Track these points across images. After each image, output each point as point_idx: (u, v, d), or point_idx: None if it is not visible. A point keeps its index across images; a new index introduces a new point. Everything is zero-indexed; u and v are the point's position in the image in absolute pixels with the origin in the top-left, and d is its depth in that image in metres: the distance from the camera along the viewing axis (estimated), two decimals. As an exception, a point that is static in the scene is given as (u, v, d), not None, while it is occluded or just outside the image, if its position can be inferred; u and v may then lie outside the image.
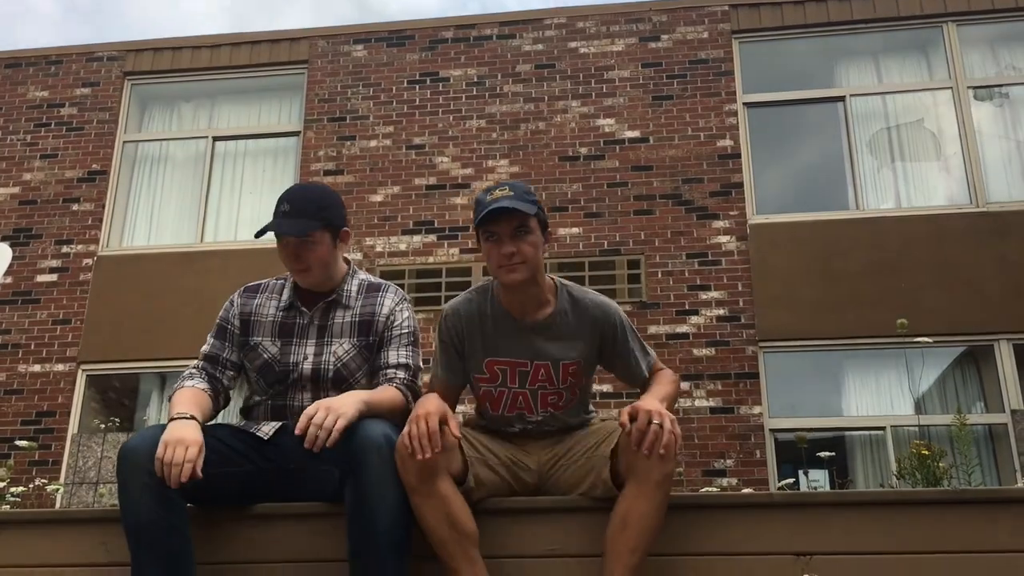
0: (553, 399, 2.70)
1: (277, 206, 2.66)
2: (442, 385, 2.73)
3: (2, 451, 7.87)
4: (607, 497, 2.48)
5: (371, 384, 2.68)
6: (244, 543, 2.56)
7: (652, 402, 2.39)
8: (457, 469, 2.47)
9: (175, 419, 2.43)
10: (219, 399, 2.69)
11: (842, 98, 8.60)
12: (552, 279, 2.73)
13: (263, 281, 2.84)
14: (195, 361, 2.75)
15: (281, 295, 2.75)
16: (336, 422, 2.34)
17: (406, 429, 2.34)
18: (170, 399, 2.61)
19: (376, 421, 2.41)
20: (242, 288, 2.83)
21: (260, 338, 2.70)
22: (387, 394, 2.57)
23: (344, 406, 2.40)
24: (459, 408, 2.93)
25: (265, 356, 2.68)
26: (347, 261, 2.81)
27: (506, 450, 2.68)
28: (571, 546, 2.48)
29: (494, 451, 2.65)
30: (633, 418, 2.34)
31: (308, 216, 2.62)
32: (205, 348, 2.75)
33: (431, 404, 2.41)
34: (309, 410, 2.39)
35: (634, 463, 2.34)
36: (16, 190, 8.97)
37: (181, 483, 2.29)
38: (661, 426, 2.29)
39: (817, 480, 6.83)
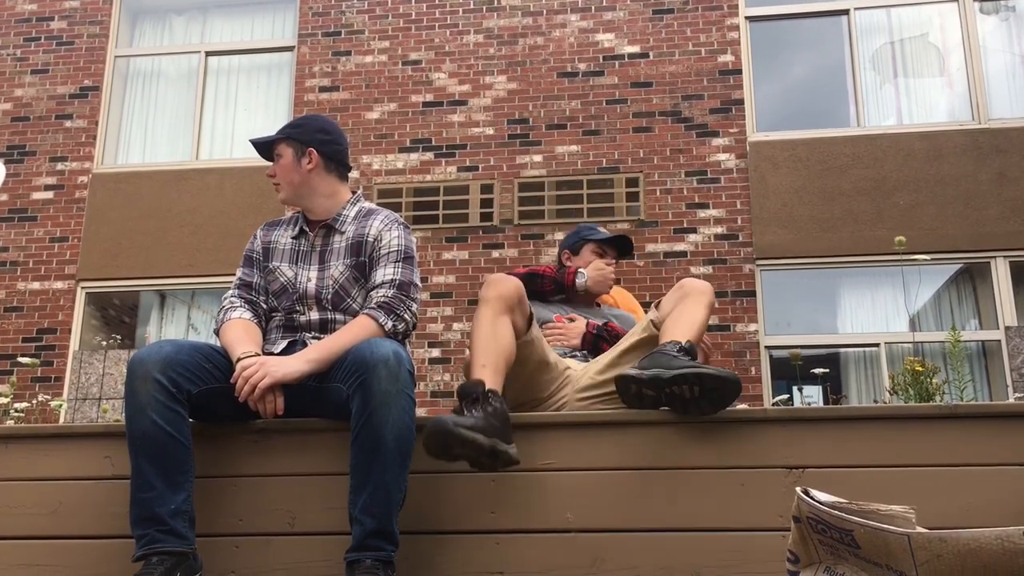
0: None
1: None
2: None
3: (4, 368, 7.94)
4: (604, 411, 2.51)
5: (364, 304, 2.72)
6: (244, 459, 2.59)
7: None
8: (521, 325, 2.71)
9: (243, 359, 2.52)
10: (262, 323, 2.78)
11: (846, 11, 8.43)
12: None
13: (283, 217, 2.99)
14: (230, 291, 2.82)
15: (295, 226, 2.87)
16: (263, 379, 2.45)
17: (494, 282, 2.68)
18: (216, 332, 2.72)
19: (384, 339, 2.50)
20: (264, 224, 2.98)
21: (278, 263, 2.81)
22: (347, 335, 2.57)
23: (282, 366, 2.49)
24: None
25: (282, 280, 2.78)
26: (353, 191, 2.92)
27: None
28: (568, 461, 2.52)
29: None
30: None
31: (276, 134, 2.88)
32: (238, 276, 2.84)
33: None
34: (247, 362, 2.49)
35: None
36: (8, 106, 8.86)
37: (264, 405, 2.49)
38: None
39: (811, 396, 6.93)
